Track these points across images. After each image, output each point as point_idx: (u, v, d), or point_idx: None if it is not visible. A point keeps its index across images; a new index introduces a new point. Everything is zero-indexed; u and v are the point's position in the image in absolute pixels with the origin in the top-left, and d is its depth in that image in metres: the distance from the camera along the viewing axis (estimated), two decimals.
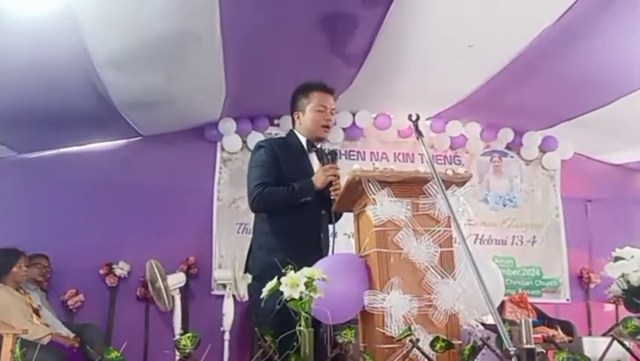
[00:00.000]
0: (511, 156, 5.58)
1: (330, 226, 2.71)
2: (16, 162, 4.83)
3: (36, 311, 3.69)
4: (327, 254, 2.54)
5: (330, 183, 2.56)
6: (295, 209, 2.55)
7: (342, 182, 2.41)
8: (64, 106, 3.94)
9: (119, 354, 1.45)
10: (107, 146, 5.02)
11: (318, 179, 2.56)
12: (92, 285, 4.62)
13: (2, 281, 3.61)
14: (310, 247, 2.52)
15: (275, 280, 1.76)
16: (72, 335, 3.81)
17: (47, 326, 3.68)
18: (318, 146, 2.73)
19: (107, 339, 4.31)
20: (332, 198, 2.54)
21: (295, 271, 1.75)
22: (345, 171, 2.20)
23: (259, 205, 2.62)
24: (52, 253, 4.37)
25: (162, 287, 4.23)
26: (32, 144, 4.71)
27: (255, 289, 2.70)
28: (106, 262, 4.70)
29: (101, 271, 4.67)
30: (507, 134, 5.43)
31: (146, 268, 4.37)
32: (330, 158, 2.66)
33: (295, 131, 2.78)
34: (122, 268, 4.70)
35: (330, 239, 2.65)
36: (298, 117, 2.75)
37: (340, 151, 5.28)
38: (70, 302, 4.50)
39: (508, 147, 5.56)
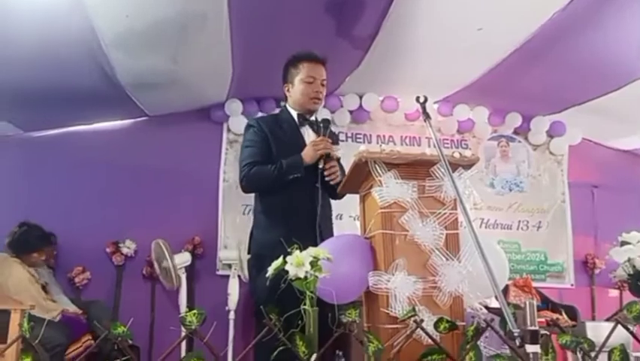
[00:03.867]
0: (519, 141, 5.55)
1: (333, 202, 2.67)
2: (23, 141, 4.84)
3: (43, 288, 3.74)
4: (324, 228, 2.50)
5: (321, 157, 2.48)
6: (286, 186, 2.48)
7: (347, 164, 2.38)
8: (70, 85, 3.94)
9: (125, 329, 1.47)
10: (113, 125, 5.02)
11: (308, 154, 2.48)
12: (99, 263, 4.67)
13: (19, 258, 3.63)
14: (305, 223, 2.46)
15: (280, 259, 1.76)
16: (79, 312, 3.86)
17: (54, 302, 3.72)
18: (312, 118, 2.63)
19: (114, 316, 4.36)
20: (326, 179, 2.48)
21: (290, 250, 1.75)
22: (352, 153, 2.19)
23: (248, 185, 2.57)
24: (58, 231, 4.40)
25: (170, 266, 4.26)
26: (39, 122, 4.72)
27: (251, 267, 2.69)
28: (112, 241, 4.74)
29: (108, 250, 4.72)
30: (515, 119, 5.39)
31: (152, 247, 4.40)
32: (322, 127, 2.57)
33: (287, 105, 2.69)
34: (128, 247, 4.73)
35: (328, 212, 2.58)
36: (288, 90, 2.67)
37: (346, 134, 5.28)
38: (77, 280, 4.55)
39: (515, 132, 5.53)
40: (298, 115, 2.64)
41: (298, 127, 2.63)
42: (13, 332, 2.72)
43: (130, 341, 1.58)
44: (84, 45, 3.43)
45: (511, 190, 5.43)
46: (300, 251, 1.74)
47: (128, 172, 4.83)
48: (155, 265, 4.45)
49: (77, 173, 4.77)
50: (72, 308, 3.86)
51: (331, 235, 2.63)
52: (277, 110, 5.09)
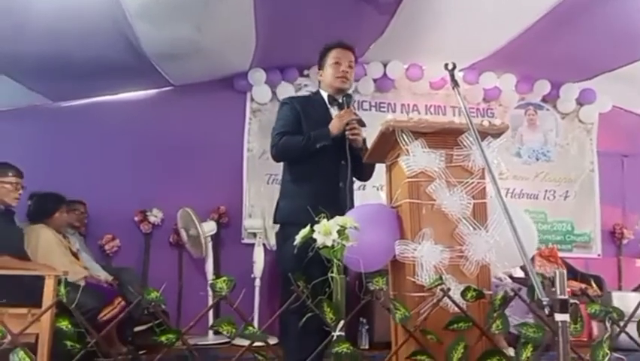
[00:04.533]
0: (547, 109, 5.44)
1: (355, 179, 2.76)
2: (51, 111, 4.92)
3: (74, 254, 3.83)
4: (346, 203, 2.58)
5: (347, 125, 2.59)
6: (314, 157, 2.61)
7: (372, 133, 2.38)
8: (96, 56, 3.96)
9: (158, 294, 1.50)
10: (138, 95, 5.07)
11: (334, 125, 2.61)
12: (128, 231, 4.78)
13: (45, 224, 3.73)
14: (329, 195, 2.56)
15: (308, 227, 1.77)
16: (110, 278, 3.96)
17: (86, 268, 3.82)
18: (340, 100, 2.75)
19: (143, 283, 4.47)
20: (350, 137, 2.58)
21: (314, 218, 1.76)
22: (375, 122, 2.18)
23: (278, 153, 2.70)
24: (88, 200, 4.49)
25: (200, 232, 4.33)
26: (66, 92, 4.78)
27: (278, 236, 2.80)
28: (140, 209, 4.83)
29: (136, 218, 4.81)
30: (543, 87, 5.28)
31: (179, 215, 4.47)
32: (345, 102, 2.70)
33: (320, 89, 2.86)
34: (155, 216, 4.82)
35: (351, 190, 2.68)
36: (321, 75, 2.84)
37: (370, 102, 5.25)
38: (107, 247, 4.68)
39: (544, 100, 5.43)
40: (328, 96, 2.79)
41: (328, 107, 2.78)
42: (48, 297, 2.80)
43: (162, 306, 1.62)
44: (109, 16, 3.44)
45: (538, 159, 5.35)
46: (327, 220, 1.75)
47: (153, 142, 4.89)
48: (182, 233, 4.53)
49: (104, 143, 4.84)
50: (103, 275, 3.95)
51: (352, 207, 2.67)
52: (300, 80, 5.14)
